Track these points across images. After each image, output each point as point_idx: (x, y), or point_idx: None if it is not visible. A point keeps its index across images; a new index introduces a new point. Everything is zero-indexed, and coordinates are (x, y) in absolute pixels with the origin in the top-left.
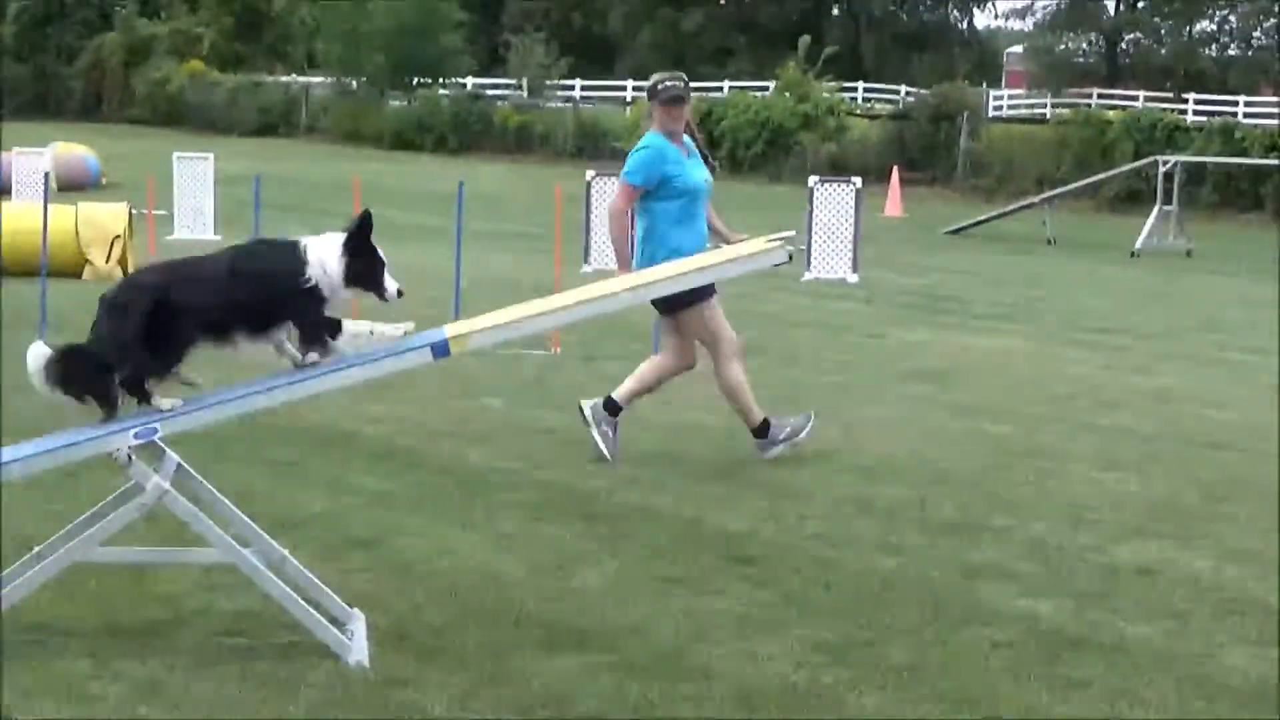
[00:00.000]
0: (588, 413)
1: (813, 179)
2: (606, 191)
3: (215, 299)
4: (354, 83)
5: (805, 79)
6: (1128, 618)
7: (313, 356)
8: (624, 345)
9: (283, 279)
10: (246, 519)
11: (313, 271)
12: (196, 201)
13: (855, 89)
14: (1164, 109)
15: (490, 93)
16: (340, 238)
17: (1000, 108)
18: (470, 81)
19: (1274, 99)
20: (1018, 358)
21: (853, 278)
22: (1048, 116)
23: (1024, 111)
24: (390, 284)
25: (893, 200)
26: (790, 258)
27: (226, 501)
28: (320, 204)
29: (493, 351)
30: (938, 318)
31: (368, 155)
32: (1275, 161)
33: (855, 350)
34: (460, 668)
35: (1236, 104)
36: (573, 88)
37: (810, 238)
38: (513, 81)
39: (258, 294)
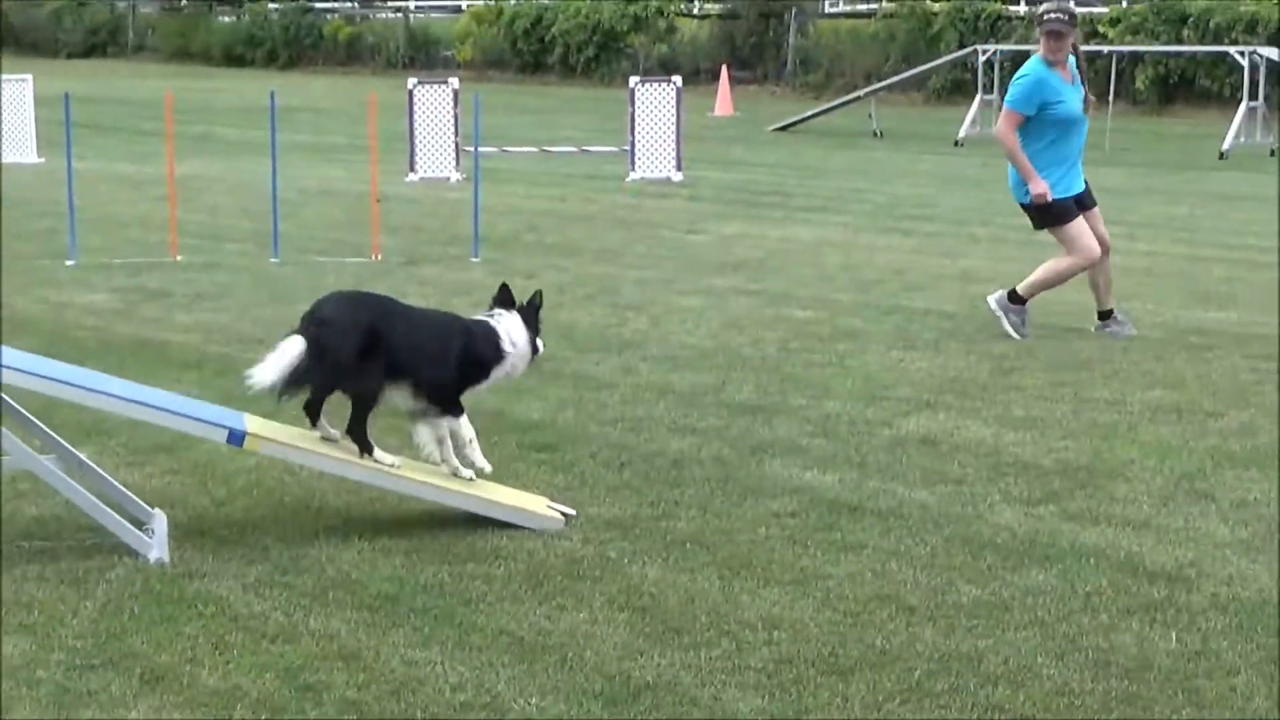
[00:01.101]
0: (993, 305)
1: (633, 79)
2: (428, 99)
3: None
4: None
5: None
6: (907, 484)
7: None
8: (444, 250)
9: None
10: (45, 428)
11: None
12: (18, 125)
13: None
14: (995, 0)
15: (320, 5)
16: (518, 318)
17: (836, 3)
18: None
19: None
20: (831, 247)
21: (677, 176)
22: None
23: (861, 7)
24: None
25: (723, 99)
26: (567, 521)
27: (24, 412)
28: (144, 123)
29: (310, 259)
30: (757, 211)
31: (197, 73)
32: (1092, 48)
33: (671, 246)
34: (258, 558)
35: None
36: None
37: (633, 138)
38: None
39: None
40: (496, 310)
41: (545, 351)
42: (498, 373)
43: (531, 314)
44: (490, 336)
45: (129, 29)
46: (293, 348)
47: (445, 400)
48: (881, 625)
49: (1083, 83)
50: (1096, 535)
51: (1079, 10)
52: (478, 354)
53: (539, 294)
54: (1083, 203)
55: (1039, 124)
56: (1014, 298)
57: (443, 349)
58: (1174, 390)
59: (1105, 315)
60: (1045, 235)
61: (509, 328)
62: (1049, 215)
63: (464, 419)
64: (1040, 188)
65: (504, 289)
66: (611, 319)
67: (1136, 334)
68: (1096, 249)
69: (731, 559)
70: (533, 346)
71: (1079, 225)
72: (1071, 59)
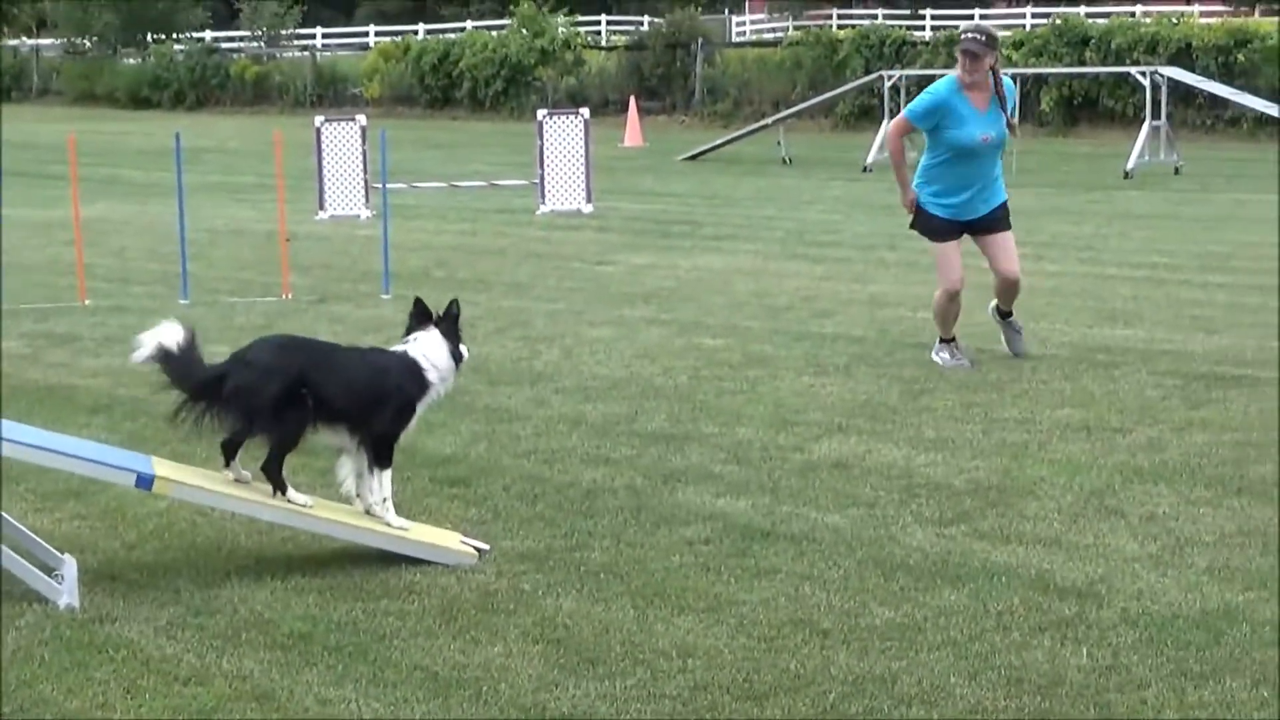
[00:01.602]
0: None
1: (541, 112)
2: (336, 137)
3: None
4: (85, 42)
5: (540, 15)
6: (820, 508)
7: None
8: (354, 287)
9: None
10: None
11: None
12: None
13: (598, 22)
14: (901, 26)
15: (226, 46)
16: (436, 334)
17: (743, 33)
18: (208, 35)
19: (1006, 10)
20: (741, 275)
21: (587, 208)
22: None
23: (767, 35)
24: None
25: (632, 130)
26: (481, 556)
27: None
28: (49, 167)
29: (220, 300)
30: (668, 241)
31: (104, 115)
32: None
33: (582, 278)
34: (170, 601)
35: (971, 17)
36: (314, 36)
37: (543, 171)
38: (247, 33)
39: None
40: (413, 334)
41: (459, 384)
42: (424, 405)
43: (450, 324)
44: (414, 370)
45: (33, 73)
46: (171, 331)
47: (381, 450)
48: (796, 650)
49: (1003, 108)
50: (1008, 554)
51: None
52: (405, 393)
53: (455, 302)
54: (974, 229)
55: (935, 141)
56: (943, 340)
57: (377, 395)
58: (1082, 408)
59: (947, 340)
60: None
61: (428, 351)
62: (922, 229)
63: (388, 474)
64: (906, 198)
65: (418, 304)
66: (523, 352)
67: (970, 367)
68: (956, 279)
69: (645, 588)
70: (455, 359)
71: (945, 252)
72: (1007, 83)
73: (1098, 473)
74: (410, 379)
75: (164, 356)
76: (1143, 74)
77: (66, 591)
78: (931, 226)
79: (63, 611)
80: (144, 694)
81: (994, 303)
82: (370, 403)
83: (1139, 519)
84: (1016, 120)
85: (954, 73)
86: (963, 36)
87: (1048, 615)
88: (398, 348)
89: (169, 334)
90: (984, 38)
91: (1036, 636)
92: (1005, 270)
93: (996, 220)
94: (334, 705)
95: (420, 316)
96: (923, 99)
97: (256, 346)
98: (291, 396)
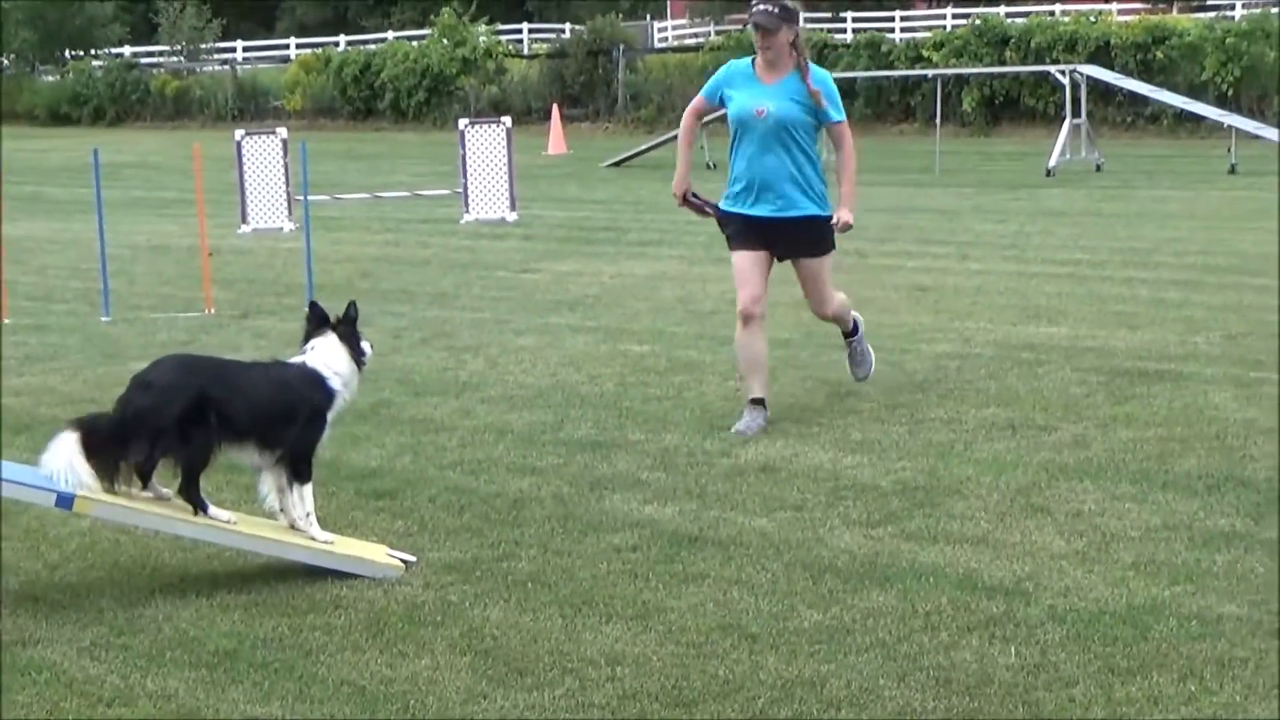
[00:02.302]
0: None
1: (462, 122)
2: (257, 150)
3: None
4: (3, 59)
5: (461, 23)
6: (747, 512)
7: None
8: (278, 300)
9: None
10: None
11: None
12: None
13: (520, 30)
14: (823, 28)
15: (146, 61)
16: (334, 339)
17: (665, 39)
18: (127, 51)
19: (926, 11)
20: (666, 281)
21: (512, 216)
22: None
23: (690, 41)
24: (366, 346)
25: (555, 138)
26: (407, 568)
27: None
28: None
29: (142, 316)
30: (592, 248)
31: (23, 133)
32: (918, 73)
33: (507, 286)
34: (93, 621)
35: (893, 19)
36: (234, 50)
37: (466, 180)
38: (166, 48)
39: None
40: (311, 342)
41: (384, 396)
42: (333, 414)
43: (349, 326)
44: (316, 381)
45: None
46: (67, 443)
47: (297, 466)
48: (724, 655)
49: (810, 94)
50: (935, 554)
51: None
52: (311, 405)
53: (352, 304)
54: (779, 248)
55: (729, 123)
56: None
57: (282, 410)
58: (1007, 406)
59: (754, 401)
60: (877, 258)
61: (328, 359)
62: (724, 232)
63: (309, 489)
64: (675, 183)
65: (313, 307)
66: (449, 362)
67: (753, 434)
68: (745, 299)
69: (573, 596)
70: (358, 362)
71: (736, 263)
72: (820, 73)
73: (1023, 471)
74: (313, 390)
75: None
76: (1062, 72)
77: None
78: (727, 231)
79: None
80: (67, 715)
81: None
82: (276, 419)
83: (1065, 516)
84: (838, 116)
85: None
86: (755, 7)
87: (975, 614)
88: (297, 358)
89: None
90: (776, 8)
91: (965, 636)
92: (813, 310)
93: (799, 241)
94: None
95: (317, 321)
96: (714, 77)
97: (155, 367)
98: (195, 416)
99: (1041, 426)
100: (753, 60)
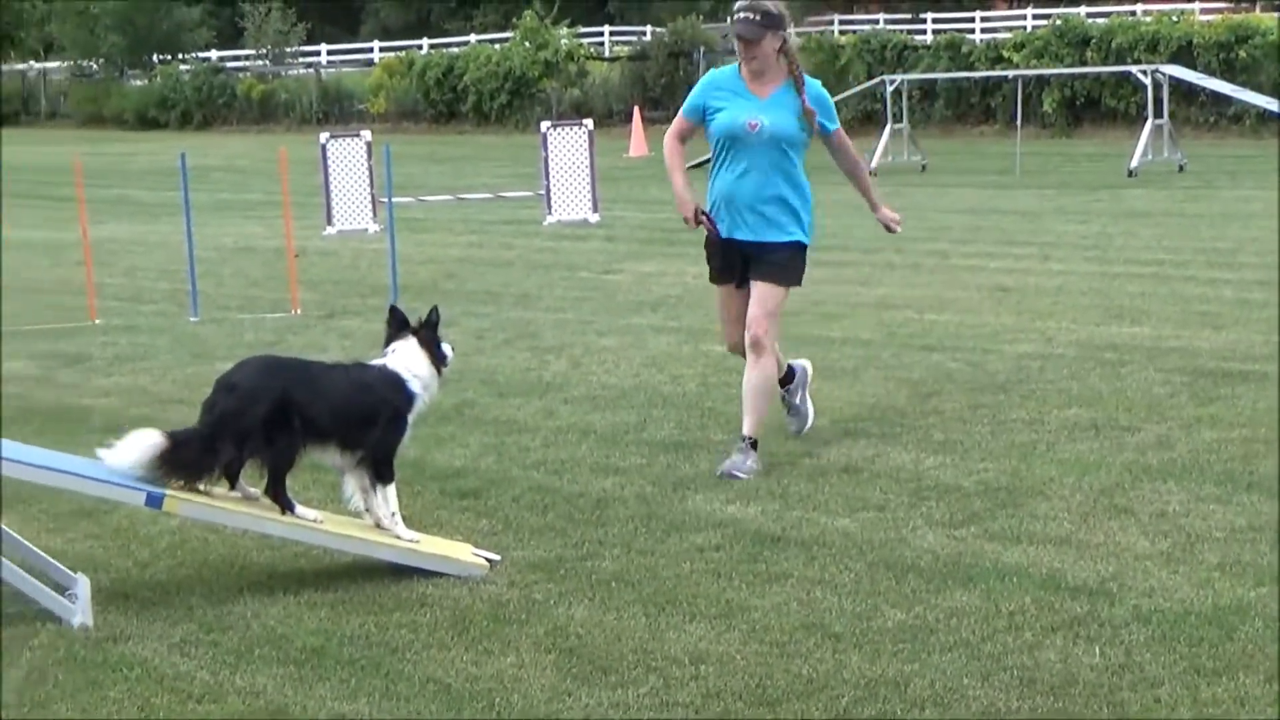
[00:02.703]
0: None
1: (544, 124)
2: (342, 153)
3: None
4: (92, 64)
5: (543, 26)
6: (829, 513)
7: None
8: (363, 301)
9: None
10: None
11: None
12: None
13: (601, 32)
14: (902, 30)
15: (232, 65)
16: (414, 343)
17: None
18: (214, 55)
19: (1006, 12)
20: None
21: (594, 218)
22: None
23: None
24: (448, 350)
25: (636, 140)
26: (492, 567)
27: None
28: (58, 189)
29: (230, 317)
30: (674, 249)
31: (112, 137)
32: (998, 74)
33: (589, 287)
34: (183, 618)
35: (973, 20)
36: (318, 54)
37: (548, 182)
38: (252, 52)
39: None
40: (392, 345)
41: (468, 396)
42: (413, 416)
43: (429, 331)
44: (396, 383)
45: (41, 96)
46: (145, 438)
47: (379, 467)
48: (808, 654)
49: (801, 99)
50: (1018, 554)
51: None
52: (392, 408)
53: (434, 310)
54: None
55: (712, 139)
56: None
57: (363, 412)
58: (1090, 407)
59: (746, 439)
60: (959, 259)
61: (408, 362)
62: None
63: (392, 488)
64: (681, 205)
65: (394, 311)
66: (532, 362)
67: (747, 477)
68: (737, 337)
69: (657, 595)
70: (437, 365)
71: (718, 296)
72: (814, 85)
73: (1107, 471)
74: (394, 392)
75: (164, 461)
76: (1144, 73)
77: (80, 611)
78: (712, 258)
79: (76, 631)
80: (158, 712)
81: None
82: (357, 420)
83: (1149, 516)
84: (833, 124)
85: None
86: (736, 16)
87: (1060, 614)
88: (377, 361)
89: (146, 443)
90: (758, 15)
91: (1049, 636)
92: (746, 326)
93: (771, 264)
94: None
95: (398, 325)
96: (694, 90)
97: (239, 370)
98: (279, 418)
99: (1125, 427)
100: (738, 68)
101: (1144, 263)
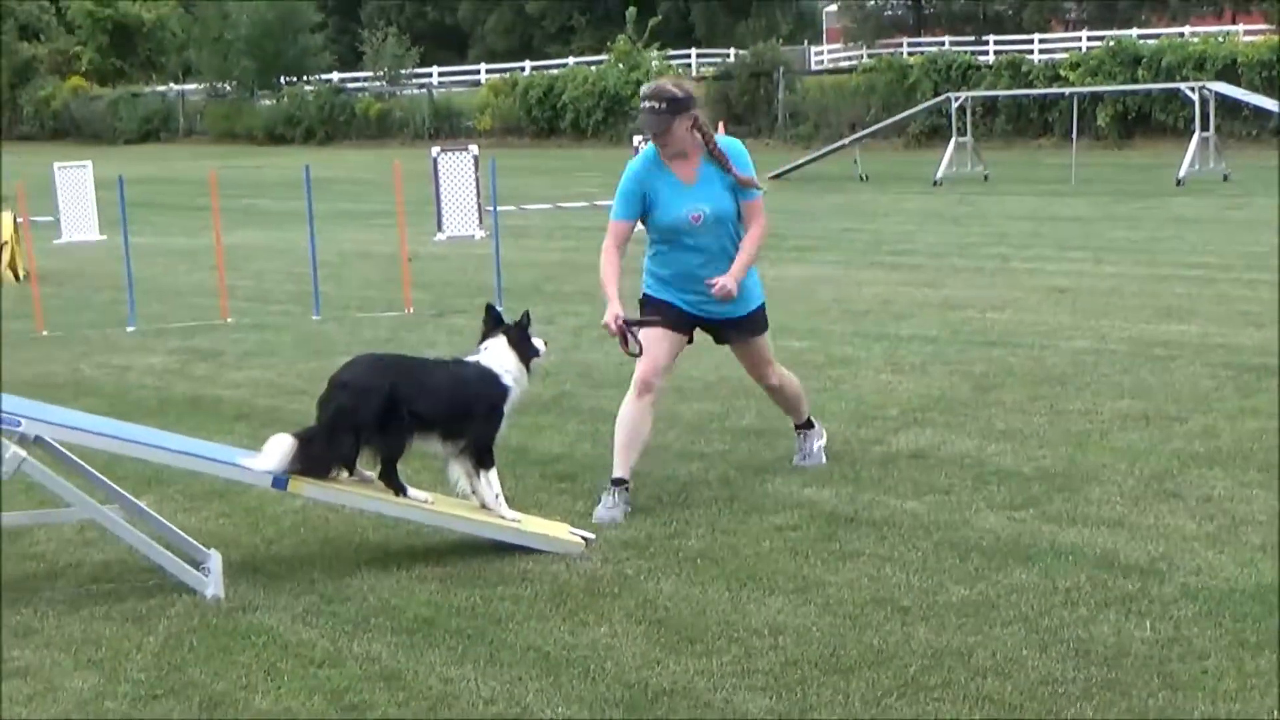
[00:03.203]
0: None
1: (637, 139)
2: (451, 165)
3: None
4: (225, 86)
5: (635, 49)
6: (899, 496)
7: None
8: (470, 300)
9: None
10: (109, 481)
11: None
12: (79, 206)
13: (689, 55)
14: (966, 51)
15: (352, 85)
16: (503, 341)
17: (821, 61)
18: (335, 76)
19: (1063, 34)
20: (823, 283)
21: None
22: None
23: (843, 64)
24: (539, 344)
25: None
26: (587, 545)
27: (88, 466)
28: (195, 199)
29: (349, 315)
30: None
31: (243, 152)
32: (1056, 91)
33: None
34: (305, 590)
35: (1031, 41)
36: (430, 75)
37: None
38: (370, 74)
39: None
40: (485, 343)
41: (567, 388)
42: (509, 407)
43: (519, 332)
44: (491, 379)
45: (179, 115)
46: (282, 442)
47: (480, 454)
48: (878, 626)
49: (728, 173)
50: (1074, 535)
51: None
52: (488, 401)
53: (526, 314)
54: (714, 333)
55: (649, 226)
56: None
57: (463, 405)
58: (1141, 399)
59: (617, 481)
60: (1018, 262)
61: (499, 359)
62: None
63: (494, 473)
64: (607, 316)
65: (489, 309)
66: (623, 358)
67: (617, 522)
68: (646, 370)
69: (739, 571)
70: (526, 360)
71: (648, 331)
72: (729, 144)
73: (1157, 458)
74: (490, 386)
75: (297, 459)
76: (1191, 89)
77: (212, 583)
78: (656, 316)
79: (209, 601)
80: (283, 676)
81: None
82: (458, 412)
83: (1196, 501)
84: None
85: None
86: (641, 107)
87: (1112, 591)
88: (471, 357)
89: (283, 447)
90: (663, 104)
91: (1102, 611)
92: (760, 380)
93: (739, 328)
94: (455, 684)
95: (492, 322)
96: (620, 186)
97: (350, 368)
98: (389, 411)
99: (1173, 417)
100: (655, 151)
101: (1191, 266)
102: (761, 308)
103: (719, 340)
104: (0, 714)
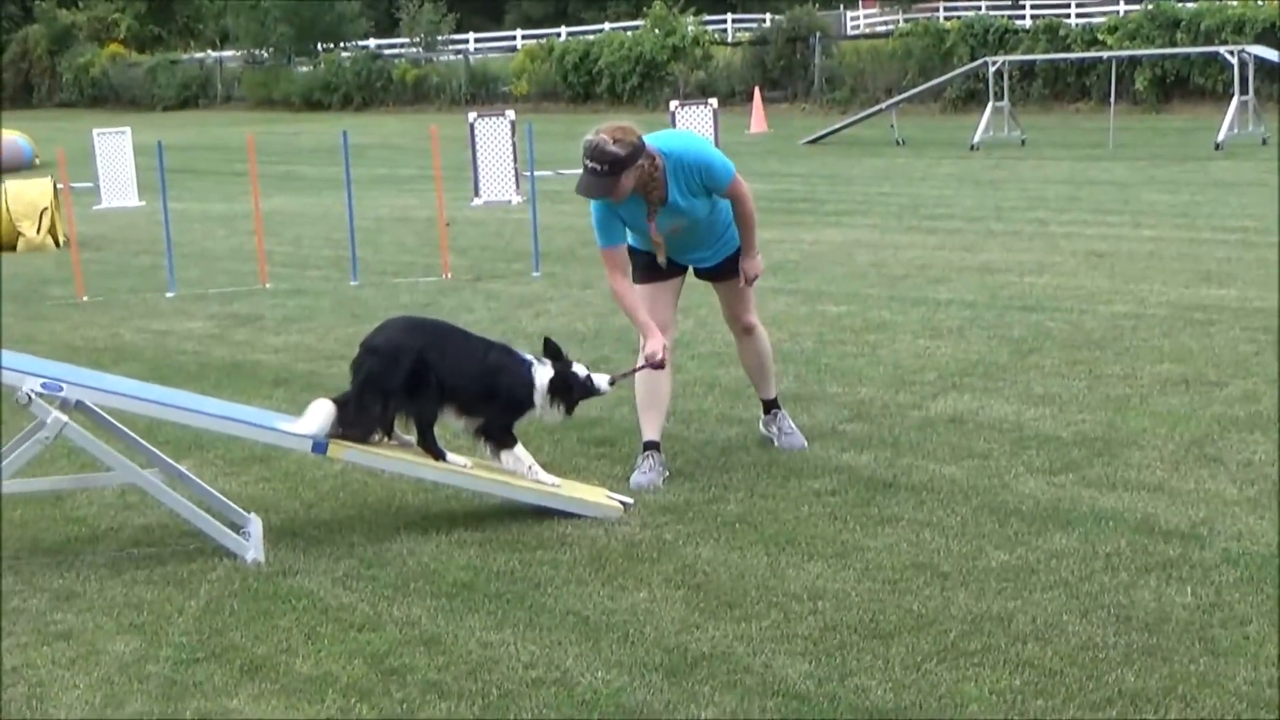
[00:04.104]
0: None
1: (673, 104)
2: (488, 131)
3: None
4: (263, 52)
5: (671, 14)
6: (937, 460)
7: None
8: (508, 265)
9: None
10: (149, 445)
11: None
12: (119, 173)
13: (724, 19)
14: (1003, 15)
15: (388, 52)
16: (553, 373)
17: (858, 26)
18: (372, 43)
19: None
20: (860, 247)
21: None
22: (895, 30)
23: (880, 28)
24: (600, 382)
25: (757, 118)
26: (626, 509)
27: (129, 431)
28: (233, 165)
29: (387, 281)
30: (792, 218)
31: (280, 118)
32: (1093, 55)
33: None
34: (345, 555)
35: (1069, 5)
36: (467, 41)
37: None
38: (407, 40)
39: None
40: (543, 360)
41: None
42: (532, 415)
43: (565, 376)
44: (527, 383)
45: (217, 82)
46: (322, 408)
47: (498, 435)
48: (918, 591)
49: (689, 193)
50: (1114, 500)
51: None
52: (514, 399)
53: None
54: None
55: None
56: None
57: (487, 386)
58: (1181, 363)
59: (651, 445)
60: (1056, 226)
61: (545, 379)
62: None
63: (519, 448)
64: (653, 346)
65: (548, 343)
66: None
67: (657, 488)
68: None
69: (778, 536)
70: (555, 397)
71: (640, 292)
72: (678, 167)
73: (1197, 423)
74: (520, 387)
75: (337, 423)
76: (1230, 53)
77: (252, 547)
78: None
79: (249, 565)
80: (323, 639)
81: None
82: (479, 394)
83: (1237, 465)
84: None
85: None
86: (585, 166)
87: (1153, 556)
88: (528, 357)
89: (324, 411)
90: (604, 166)
91: (1143, 576)
92: (734, 322)
93: (723, 270)
94: (494, 648)
95: (550, 354)
96: (593, 213)
97: (381, 331)
98: (418, 375)
99: (1213, 382)
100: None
101: (1230, 229)
102: (738, 250)
103: (699, 276)
104: (1, 714)
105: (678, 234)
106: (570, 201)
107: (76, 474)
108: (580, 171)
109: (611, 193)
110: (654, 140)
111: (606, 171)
